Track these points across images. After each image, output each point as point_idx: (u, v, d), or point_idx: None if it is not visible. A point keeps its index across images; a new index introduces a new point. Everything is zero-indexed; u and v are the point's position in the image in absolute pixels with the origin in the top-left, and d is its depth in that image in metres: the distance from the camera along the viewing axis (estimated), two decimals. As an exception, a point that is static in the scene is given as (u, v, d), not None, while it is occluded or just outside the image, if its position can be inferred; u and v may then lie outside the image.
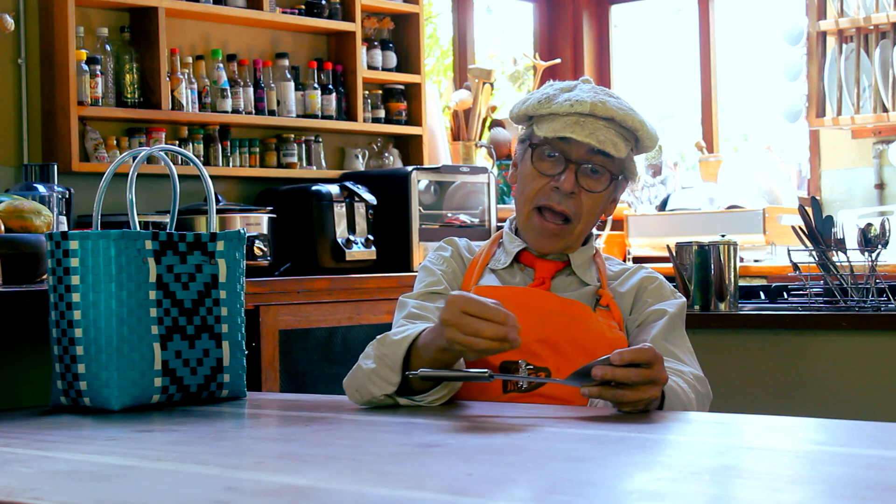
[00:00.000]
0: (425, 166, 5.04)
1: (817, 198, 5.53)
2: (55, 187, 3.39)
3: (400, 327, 2.08)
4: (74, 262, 2.04)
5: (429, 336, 1.95)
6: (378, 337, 2.04)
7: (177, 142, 4.59)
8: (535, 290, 2.22)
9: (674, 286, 2.32)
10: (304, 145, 5.00)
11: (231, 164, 4.76)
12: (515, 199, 2.29)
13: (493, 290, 2.20)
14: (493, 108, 5.74)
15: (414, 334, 1.98)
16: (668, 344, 2.15)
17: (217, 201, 4.10)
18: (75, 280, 2.04)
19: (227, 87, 4.72)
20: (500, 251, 2.32)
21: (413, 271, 4.59)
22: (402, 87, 5.31)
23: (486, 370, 1.91)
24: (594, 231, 2.33)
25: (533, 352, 2.12)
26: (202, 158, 4.60)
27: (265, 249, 4.39)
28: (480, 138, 5.65)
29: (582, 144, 2.19)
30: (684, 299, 2.27)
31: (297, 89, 4.96)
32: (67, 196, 3.57)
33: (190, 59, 4.60)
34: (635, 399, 1.83)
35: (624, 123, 2.21)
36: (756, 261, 5.16)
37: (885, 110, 5.25)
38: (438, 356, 1.93)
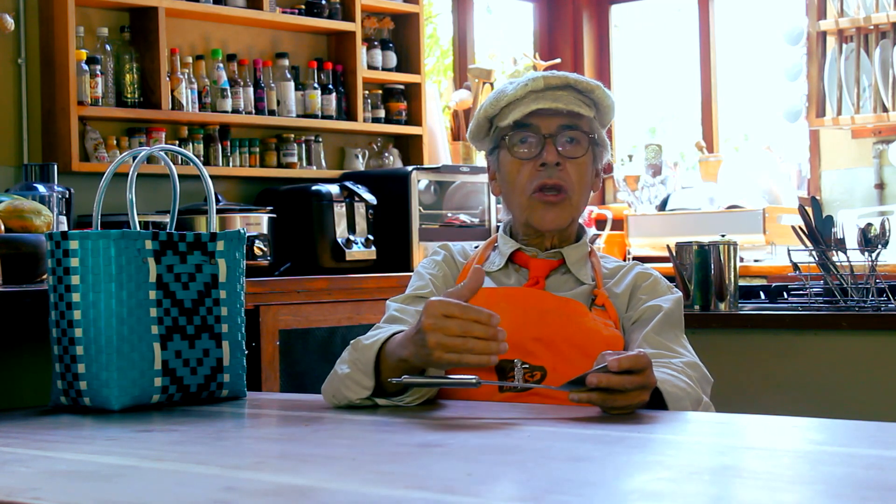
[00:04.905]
0: (425, 166, 5.04)
1: (817, 198, 5.53)
2: (55, 187, 3.39)
3: (375, 331, 2.09)
4: (74, 262, 2.04)
5: (397, 341, 1.95)
6: (352, 341, 2.06)
7: (177, 142, 4.59)
8: (530, 290, 2.23)
9: (674, 286, 2.32)
10: (304, 145, 5.00)
11: (231, 164, 4.76)
12: (507, 201, 2.31)
13: (489, 291, 2.21)
14: (493, 108, 5.73)
15: (383, 338, 1.99)
16: (661, 339, 2.15)
17: (217, 201, 4.10)
18: (75, 280, 2.04)
19: (227, 87, 4.72)
20: (494, 254, 2.33)
21: (413, 271, 4.59)
22: (402, 87, 5.31)
23: (473, 376, 1.90)
24: (593, 229, 2.34)
25: (529, 351, 2.12)
26: (202, 158, 4.61)
27: (265, 249, 4.39)
28: (480, 138, 5.64)
29: (550, 118, 2.23)
30: (680, 294, 2.27)
31: (297, 89, 4.96)
32: (67, 196, 3.57)
33: (190, 59, 4.60)
34: (625, 404, 1.84)
35: (578, 86, 2.26)
36: (756, 261, 5.15)
37: (885, 110, 5.25)
38: (401, 363, 1.93)
